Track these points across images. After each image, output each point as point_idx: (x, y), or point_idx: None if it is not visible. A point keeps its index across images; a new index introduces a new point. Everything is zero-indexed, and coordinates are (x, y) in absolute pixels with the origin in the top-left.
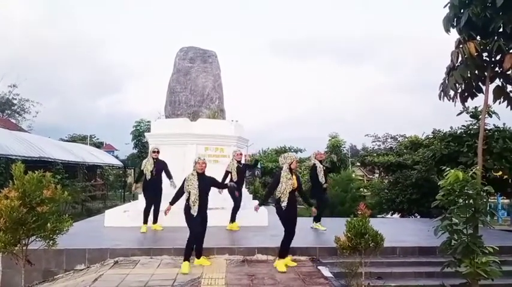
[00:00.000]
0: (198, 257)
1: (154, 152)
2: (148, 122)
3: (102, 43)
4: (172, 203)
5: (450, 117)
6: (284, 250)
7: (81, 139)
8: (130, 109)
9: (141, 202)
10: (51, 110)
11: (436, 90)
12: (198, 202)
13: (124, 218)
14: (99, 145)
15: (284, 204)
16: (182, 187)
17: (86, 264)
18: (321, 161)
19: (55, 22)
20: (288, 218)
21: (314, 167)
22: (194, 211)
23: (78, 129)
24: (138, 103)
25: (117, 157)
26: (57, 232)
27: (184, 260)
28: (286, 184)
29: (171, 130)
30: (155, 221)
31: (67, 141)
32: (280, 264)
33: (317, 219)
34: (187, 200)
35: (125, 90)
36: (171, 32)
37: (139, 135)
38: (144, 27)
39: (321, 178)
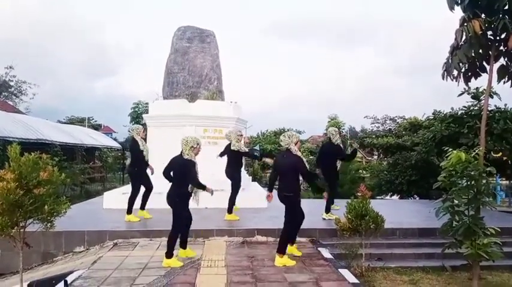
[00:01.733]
0: (185, 248)
1: (145, 130)
2: (147, 103)
3: (99, 24)
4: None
5: (450, 98)
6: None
7: (79, 121)
8: (128, 91)
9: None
10: (48, 92)
11: (436, 72)
12: None
13: (123, 200)
14: (97, 127)
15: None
16: (195, 172)
17: (85, 246)
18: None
19: (51, 2)
20: (299, 204)
21: (340, 147)
22: (192, 199)
23: (76, 112)
24: (136, 84)
25: (115, 139)
26: (54, 214)
27: (169, 257)
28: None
29: (169, 112)
30: (144, 207)
31: (65, 123)
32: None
33: (328, 209)
34: (185, 187)
35: (122, 72)
36: (169, 11)
37: (137, 117)
38: (141, 6)
39: (338, 161)
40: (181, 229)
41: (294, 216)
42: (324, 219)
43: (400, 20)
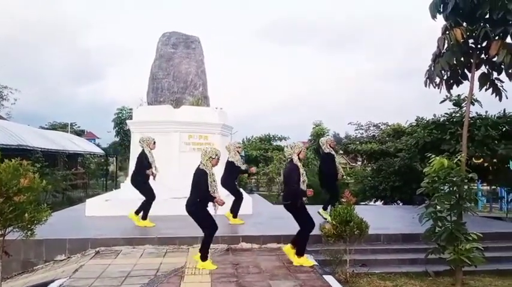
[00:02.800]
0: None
1: (155, 143)
2: (131, 109)
3: (83, 28)
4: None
5: (435, 104)
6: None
7: (62, 127)
8: (112, 96)
9: (123, 191)
10: (30, 97)
11: (420, 78)
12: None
13: (106, 207)
14: (80, 133)
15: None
16: (203, 182)
17: (67, 254)
18: (334, 149)
19: (33, 4)
20: (305, 209)
21: (331, 155)
22: (211, 208)
23: (58, 117)
24: (120, 90)
25: (98, 145)
26: (35, 222)
27: (203, 260)
28: (304, 176)
29: (153, 118)
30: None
31: (47, 129)
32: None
33: (326, 207)
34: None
35: (106, 77)
36: (153, 16)
37: (121, 123)
38: (126, 11)
39: (339, 167)
40: (211, 232)
41: (302, 222)
42: (319, 213)
43: (386, 25)
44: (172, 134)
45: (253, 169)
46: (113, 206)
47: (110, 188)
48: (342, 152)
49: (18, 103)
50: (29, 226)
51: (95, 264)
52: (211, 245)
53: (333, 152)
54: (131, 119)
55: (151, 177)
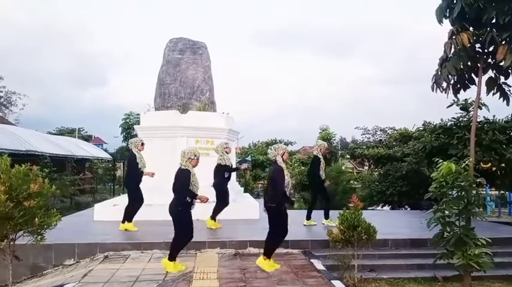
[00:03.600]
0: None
1: (143, 144)
2: (138, 114)
3: (90, 33)
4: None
5: (440, 108)
6: (273, 249)
7: (69, 132)
8: (120, 101)
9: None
10: (38, 103)
11: (426, 82)
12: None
13: (113, 212)
14: (87, 138)
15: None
16: (188, 182)
17: (75, 259)
18: (324, 156)
19: (37, 9)
20: (286, 217)
21: (318, 160)
22: (192, 209)
23: (66, 122)
24: (128, 95)
25: (106, 150)
26: (45, 226)
27: (171, 261)
28: (289, 178)
29: (160, 123)
30: (131, 219)
31: (55, 134)
32: (268, 263)
33: (327, 215)
34: (186, 197)
35: (114, 82)
36: (161, 22)
37: (128, 128)
38: (132, 17)
39: (322, 172)
40: (185, 237)
41: (272, 227)
42: (323, 224)
43: (389, 29)
44: (179, 139)
45: (244, 165)
46: (121, 211)
47: (117, 193)
48: (348, 156)
49: (26, 108)
50: (38, 230)
51: (104, 269)
52: (219, 249)
53: (320, 157)
54: (139, 124)
55: (143, 181)
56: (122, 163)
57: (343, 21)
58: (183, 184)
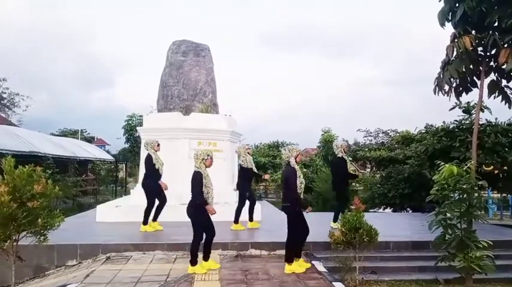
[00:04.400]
0: (207, 260)
1: (159, 145)
2: (141, 116)
3: (93, 35)
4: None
5: (442, 110)
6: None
7: (72, 133)
8: (122, 103)
9: (133, 197)
10: (41, 104)
11: (429, 84)
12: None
13: (116, 213)
14: (90, 140)
15: (300, 202)
16: (200, 184)
17: (78, 260)
18: (346, 153)
19: (43, 11)
20: (303, 216)
21: (344, 160)
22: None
23: (69, 124)
24: (130, 97)
25: (108, 152)
26: (48, 227)
27: (194, 265)
28: (301, 180)
29: (163, 124)
30: (156, 219)
31: (58, 135)
32: (294, 267)
33: (336, 218)
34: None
35: (116, 84)
36: (164, 24)
37: (131, 130)
38: (136, 19)
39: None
40: (197, 239)
41: (291, 227)
42: (332, 227)
43: (391, 30)
44: (181, 141)
45: (267, 176)
46: (123, 212)
47: (119, 194)
48: (350, 159)
49: (29, 109)
50: (41, 231)
51: (106, 269)
52: (221, 251)
53: (345, 157)
54: (141, 125)
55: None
56: (124, 165)
57: (346, 22)
58: (194, 185)
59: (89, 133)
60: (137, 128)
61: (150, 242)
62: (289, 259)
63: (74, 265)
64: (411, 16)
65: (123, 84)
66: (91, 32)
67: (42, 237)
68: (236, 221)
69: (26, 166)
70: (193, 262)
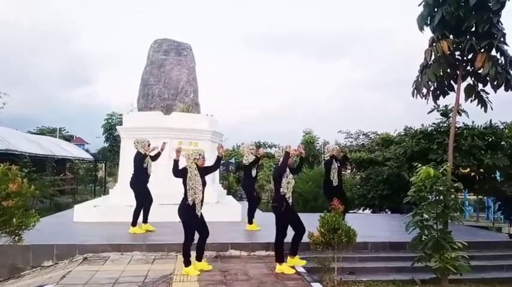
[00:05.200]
0: (200, 260)
1: (150, 145)
2: (121, 115)
3: (73, 32)
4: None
5: (423, 113)
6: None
7: (50, 132)
8: (102, 101)
9: (112, 197)
10: (19, 102)
11: (409, 88)
12: (200, 199)
13: (94, 213)
14: (69, 138)
15: (290, 200)
16: (181, 174)
17: (54, 260)
18: (335, 158)
19: (22, 7)
20: (296, 215)
21: (330, 162)
22: (199, 210)
23: (47, 122)
24: (110, 95)
25: (87, 151)
26: (23, 227)
27: (187, 266)
28: (288, 180)
29: (143, 124)
30: (146, 220)
31: (35, 133)
32: (286, 267)
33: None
34: (187, 198)
35: (96, 82)
36: (145, 22)
37: (110, 129)
38: (117, 16)
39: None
40: (187, 240)
41: (278, 227)
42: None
43: (373, 34)
44: (162, 141)
45: (261, 151)
46: (101, 212)
47: (98, 194)
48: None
49: (6, 107)
50: (16, 231)
51: (83, 270)
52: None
53: (331, 160)
54: (121, 124)
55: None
56: (103, 164)
57: (333, 26)
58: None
59: (67, 131)
60: (117, 127)
61: (128, 243)
62: (278, 259)
63: (50, 266)
64: (393, 22)
65: (104, 83)
66: (72, 29)
67: (17, 237)
68: (250, 221)
69: (1, 165)
70: (187, 263)
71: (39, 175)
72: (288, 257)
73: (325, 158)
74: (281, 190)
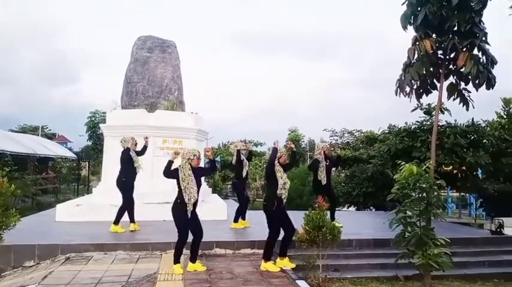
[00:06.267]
0: (194, 262)
1: (136, 144)
2: (104, 113)
3: (57, 29)
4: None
5: (406, 113)
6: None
7: (32, 130)
8: (85, 99)
9: (95, 196)
10: (0, 100)
11: (393, 87)
12: (195, 199)
13: (76, 212)
14: (51, 137)
15: (284, 201)
16: (172, 173)
17: (36, 260)
18: (325, 156)
19: (5, 4)
20: (287, 215)
21: (317, 161)
22: (190, 210)
23: (30, 120)
24: (94, 93)
25: (70, 149)
26: (3, 227)
27: (176, 263)
28: (284, 180)
29: (127, 122)
30: (133, 219)
31: (17, 132)
32: (270, 265)
33: (332, 217)
34: (181, 198)
35: (79, 80)
36: (129, 19)
37: (94, 127)
38: (102, 14)
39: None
40: (180, 240)
41: (272, 226)
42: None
43: (360, 35)
44: None
45: (249, 145)
46: (84, 211)
47: (81, 193)
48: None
49: None
50: None
51: (65, 270)
52: (185, 250)
53: (320, 160)
54: (104, 122)
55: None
56: (86, 163)
57: (320, 26)
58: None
59: (50, 130)
60: (100, 125)
61: (111, 242)
62: (265, 256)
63: (31, 266)
64: (378, 22)
65: (87, 81)
66: (55, 29)
67: None
68: (243, 217)
69: None
70: (176, 261)
71: (20, 173)
72: (278, 258)
73: (315, 156)
74: (278, 191)
